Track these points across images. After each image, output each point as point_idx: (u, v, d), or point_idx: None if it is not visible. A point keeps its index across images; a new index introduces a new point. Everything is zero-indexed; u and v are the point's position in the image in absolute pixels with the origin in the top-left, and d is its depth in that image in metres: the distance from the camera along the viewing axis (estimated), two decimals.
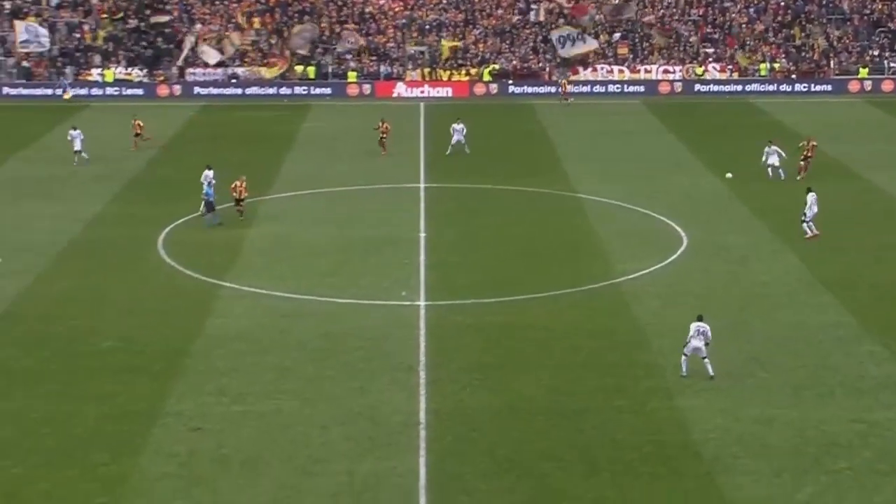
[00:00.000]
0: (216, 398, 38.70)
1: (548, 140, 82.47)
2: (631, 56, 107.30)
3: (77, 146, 73.65)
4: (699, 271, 52.28)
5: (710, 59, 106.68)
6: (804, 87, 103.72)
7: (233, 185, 58.95)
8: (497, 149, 79.37)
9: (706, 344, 39.84)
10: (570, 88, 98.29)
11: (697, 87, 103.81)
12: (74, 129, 74.76)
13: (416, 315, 46.66)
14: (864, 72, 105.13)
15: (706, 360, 39.62)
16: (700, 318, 40.15)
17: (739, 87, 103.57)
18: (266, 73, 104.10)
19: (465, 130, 76.68)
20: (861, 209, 63.01)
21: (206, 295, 48.46)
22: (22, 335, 44.74)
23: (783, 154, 68.04)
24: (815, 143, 67.89)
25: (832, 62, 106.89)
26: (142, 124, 79.07)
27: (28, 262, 53.39)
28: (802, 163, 67.13)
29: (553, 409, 38.23)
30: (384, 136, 76.17)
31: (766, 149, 68.89)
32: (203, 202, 59.24)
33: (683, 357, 40.14)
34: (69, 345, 43.83)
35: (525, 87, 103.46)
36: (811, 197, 56.71)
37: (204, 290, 49.46)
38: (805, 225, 56.36)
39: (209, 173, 60.71)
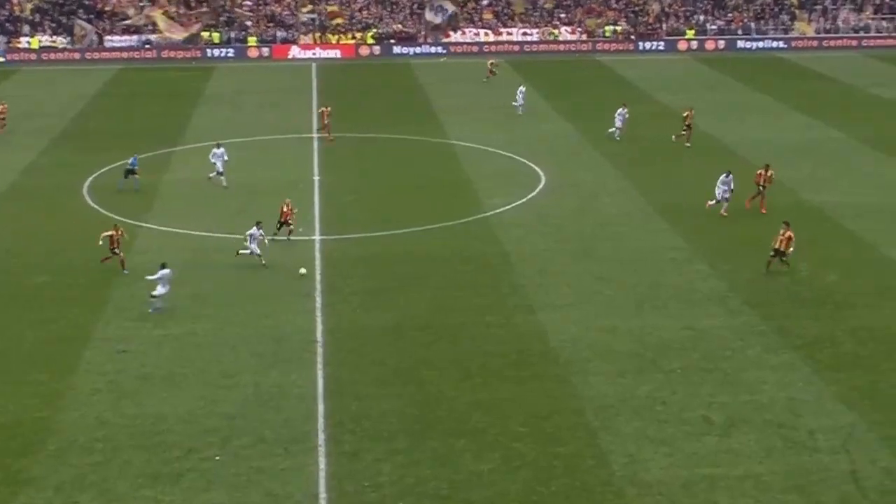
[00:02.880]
0: (139, 324, 38.34)
1: (425, 95, 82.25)
2: (495, 20, 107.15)
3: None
4: (555, 205, 52.75)
5: (563, 23, 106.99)
6: (642, 46, 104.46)
7: (282, 210, 47.21)
8: (381, 102, 79.03)
9: None
10: (494, 68, 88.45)
11: (552, 46, 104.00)
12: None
13: (312, 248, 46.56)
14: (690, 33, 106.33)
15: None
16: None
17: (588, 47, 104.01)
18: (177, 36, 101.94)
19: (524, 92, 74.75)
20: (686, 147, 63.87)
21: (128, 234, 47.78)
22: None
23: (626, 117, 66.32)
24: (692, 112, 66.03)
25: (664, 24, 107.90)
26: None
27: None
28: (684, 131, 65.20)
29: (433, 325, 38.50)
30: (326, 122, 66.15)
31: (620, 109, 66.68)
32: (125, 171, 55.46)
33: None
34: (7, 279, 43.08)
35: (405, 49, 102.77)
36: (725, 177, 50.57)
37: (125, 229, 48.74)
38: (724, 203, 50.45)
39: (218, 151, 55.86)
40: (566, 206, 52.48)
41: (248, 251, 43.52)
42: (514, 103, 74.32)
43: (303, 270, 42.88)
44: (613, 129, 65.96)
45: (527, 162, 60.69)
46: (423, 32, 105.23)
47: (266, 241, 44.23)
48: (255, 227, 43.82)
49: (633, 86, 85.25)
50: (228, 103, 79.94)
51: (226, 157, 56.15)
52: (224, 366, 35.29)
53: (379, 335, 37.70)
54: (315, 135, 67.47)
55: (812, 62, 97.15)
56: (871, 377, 34.29)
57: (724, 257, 44.84)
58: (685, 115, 65.17)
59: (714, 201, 49.91)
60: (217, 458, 29.69)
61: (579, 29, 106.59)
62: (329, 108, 66.96)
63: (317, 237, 47.76)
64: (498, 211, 51.46)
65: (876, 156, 61.26)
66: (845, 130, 67.90)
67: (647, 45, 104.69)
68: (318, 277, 42.95)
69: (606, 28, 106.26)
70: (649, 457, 29.70)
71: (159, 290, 39.16)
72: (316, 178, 57.85)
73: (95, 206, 52.58)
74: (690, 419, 31.65)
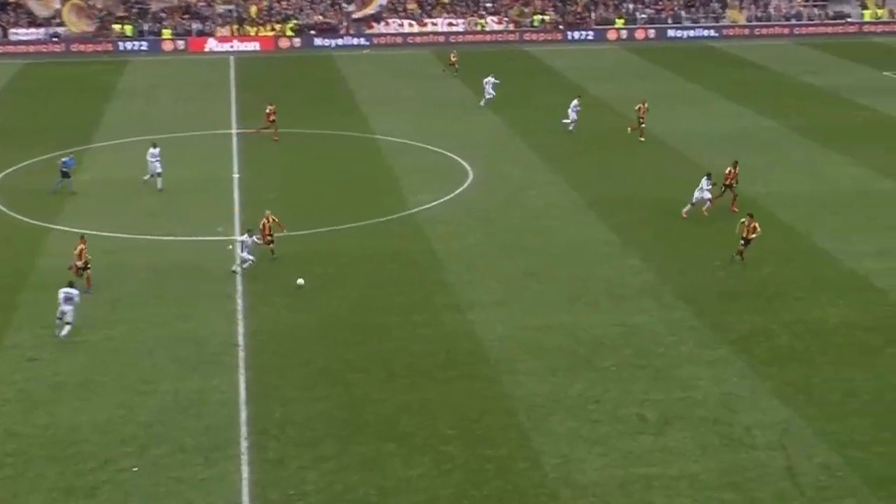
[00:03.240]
0: (50, 330, 37.72)
1: (347, 87, 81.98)
2: (419, 11, 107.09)
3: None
4: (483, 200, 52.82)
5: (489, 13, 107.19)
6: (570, 35, 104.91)
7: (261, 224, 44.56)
8: (302, 96, 78.59)
9: None
10: (454, 59, 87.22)
11: (479, 37, 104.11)
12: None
13: (232, 248, 46.16)
14: (620, 22, 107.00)
15: None
16: None
17: (515, 37, 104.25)
18: (75, 28, 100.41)
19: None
20: (619, 138, 64.32)
21: (38, 236, 47.11)
22: None
23: (579, 108, 65.91)
24: (646, 105, 65.80)
25: (593, 14, 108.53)
26: None
27: None
28: (641, 124, 64.95)
29: (358, 325, 38.37)
30: (272, 119, 64.78)
31: (574, 101, 66.42)
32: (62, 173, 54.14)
33: None
34: None
35: (326, 41, 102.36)
36: (705, 181, 49.49)
37: (36, 231, 48.08)
38: (696, 206, 49.13)
39: (154, 150, 54.56)
40: (494, 201, 52.56)
41: (246, 263, 42.75)
42: (486, 96, 73.72)
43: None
44: (568, 120, 65.98)
45: (453, 156, 60.69)
46: (344, 24, 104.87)
47: (257, 239, 43.37)
48: (245, 235, 43.07)
49: (561, 76, 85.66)
50: (143, 98, 79.08)
51: (158, 157, 54.58)
52: (142, 372, 34.87)
53: (303, 337, 37.49)
54: (234, 131, 66.95)
55: (743, 50, 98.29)
56: (806, 371, 34.72)
57: (656, 251, 45.17)
58: (638, 107, 65.20)
59: (689, 206, 49.34)
60: (134, 468, 29.30)
61: (506, 19, 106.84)
62: (274, 106, 65.65)
63: (237, 237, 47.33)
64: (424, 207, 51.42)
65: (808, 144, 62.07)
66: (777, 119, 68.73)
67: (576, 34, 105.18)
68: (238, 279, 42.59)
69: (534, 17, 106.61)
70: (583, 457, 29.81)
71: (64, 308, 37.22)
72: (235, 175, 57.39)
73: (2, 208, 51.71)
74: (624, 417, 31.82)
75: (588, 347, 36.46)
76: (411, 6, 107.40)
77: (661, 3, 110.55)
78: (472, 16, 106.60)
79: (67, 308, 37.08)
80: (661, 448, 30.28)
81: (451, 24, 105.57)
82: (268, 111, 65.33)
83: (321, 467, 29.42)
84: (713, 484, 28.51)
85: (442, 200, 52.53)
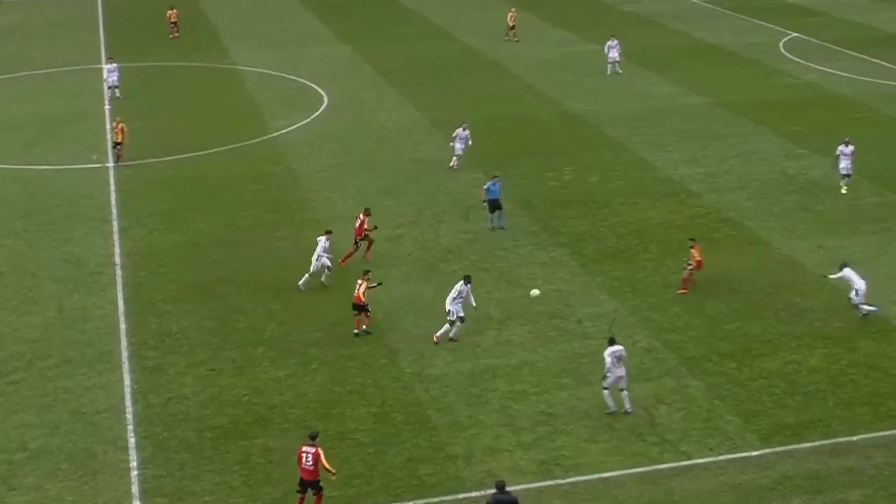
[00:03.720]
0: None
1: (209, 22, 79.96)
2: None
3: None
4: (338, 122, 52.46)
5: None
6: None
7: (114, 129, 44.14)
8: (166, 32, 76.41)
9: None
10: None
11: None
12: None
13: (106, 175, 45.12)
14: None
15: (625, 391, 27.24)
16: (612, 342, 27.41)
17: None
18: None
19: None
20: (460, 63, 64.29)
21: None
22: None
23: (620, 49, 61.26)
24: (514, 12, 70.69)
25: None
26: None
27: None
28: (511, 29, 69.41)
29: (227, 242, 38.01)
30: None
31: (608, 42, 61.58)
32: None
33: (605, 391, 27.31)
34: None
35: None
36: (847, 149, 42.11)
37: None
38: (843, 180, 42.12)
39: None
40: (348, 124, 52.25)
41: (327, 271, 34.84)
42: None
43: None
44: (612, 63, 61.05)
45: (309, 84, 59.97)
46: None
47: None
48: (323, 238, 34.81)
49: (406, 8, 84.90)
50: (18, 38, 76.00)
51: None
52: (25, 293, 34.07)
53: (176, 255, 37.00)
54: (105, 66, 65.02)
55: None
56: (631, 267, 35.56)
57: (497, 165, 45.33)
58: (510, 15, 69.73)
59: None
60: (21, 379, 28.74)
61: None
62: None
63: (110, 164, 46.27)
64: (284, 131, 50.87)
65: (628, 66, 62.84)
66: (601, 44, 69.32)
67: None
68: (112, 203, 41.68)
69: None
70: (436, 353, 30.16)
71: None
72: (107, 107, 55.83)
73: None
74: (471, 316, 32.19)
75: (437, 255, 36.74)
76: None
77: None
78: None
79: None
80: (505, 341, 30.81)
81: None
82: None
83: (196, 372, 29.26)
84: (551, 370, 29.16)
85: (300, 124, 52.02)
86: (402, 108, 54.86)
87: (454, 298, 30.69)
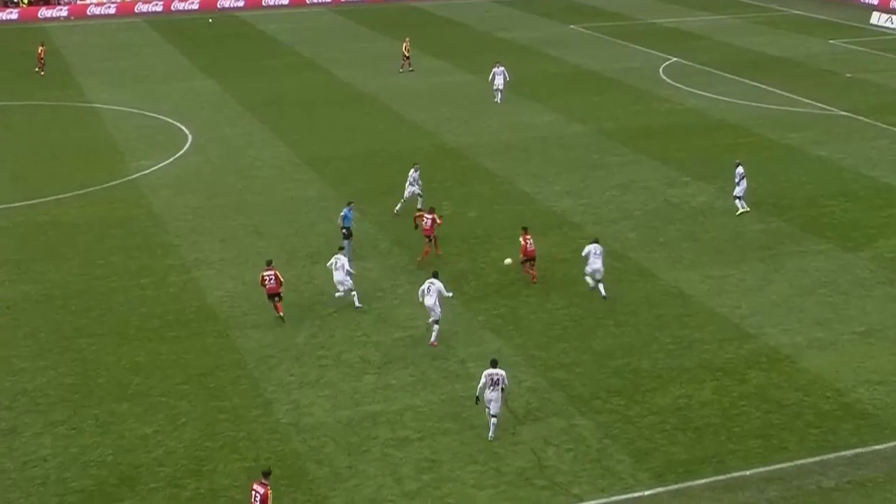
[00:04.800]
0: None
1: (62, 58, 78.66)
2: None
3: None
4: (203, 161, 52.01)
5: None
6: (279, 1, 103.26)
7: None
8: (16, 69, 75.02)
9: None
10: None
11: (179, 5, 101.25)
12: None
13: None
14: None
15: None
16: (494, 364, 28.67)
17: (226, 4, 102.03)
18: None
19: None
20: (331, 97, 64.39)
21: None
22: None
23: (508, 76, 62.16)
24: (408, 42, 72.27)
25: None
26: None
27: None
28: (407, 58, 71.17)
29: (85, 292, 37.27)
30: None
31: (494, 69, 62.29)
32: None
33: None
34: None
35: (40, 12, 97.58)
36: (739, 171, 44.21)
37: None
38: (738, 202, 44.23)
39: None
40: (214, 162, 51.86)
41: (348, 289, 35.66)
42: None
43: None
44: (497, 90, 61.95)
45: (172, 121, 59.37)
46: None
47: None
48: (341, 254, 36.01)
49: (274, 40, 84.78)
50: None
51: None
52: None
53: (29, 307, 36.15)
54: None
55: (443, 9, 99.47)
56: (513, 304, 35.86)
57: (371, 201, 45.52)
58: (405, 45, 71.49)
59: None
60: None
61: None
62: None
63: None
64: (145, 172, 50.21)
65: (507, 96, 63.56)
66: (477, 74, 70.09)
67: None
68: None
69: None
70: (312, 401, 29.96)
71: None
72: None
73: None
74: (349, 360, 32.12)
75: (311, 297, 36.57)
76: None
77: None
78: None
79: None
80: (385, 386, 30.75)
81: None
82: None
83: (55, 432, 28.57)
84: (434, 415, 29.19)
85: (163, 165, 51.42)
86: (272, 145, 54.66)
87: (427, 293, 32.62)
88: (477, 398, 28.14)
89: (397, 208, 43.88)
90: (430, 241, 39.23)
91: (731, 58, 74.12)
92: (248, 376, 31.32)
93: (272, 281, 34.30)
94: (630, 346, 32.77)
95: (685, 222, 43.07)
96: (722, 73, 69.13)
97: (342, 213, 39.69)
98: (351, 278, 35.24)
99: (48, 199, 46.67)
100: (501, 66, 62.87)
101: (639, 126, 56.87)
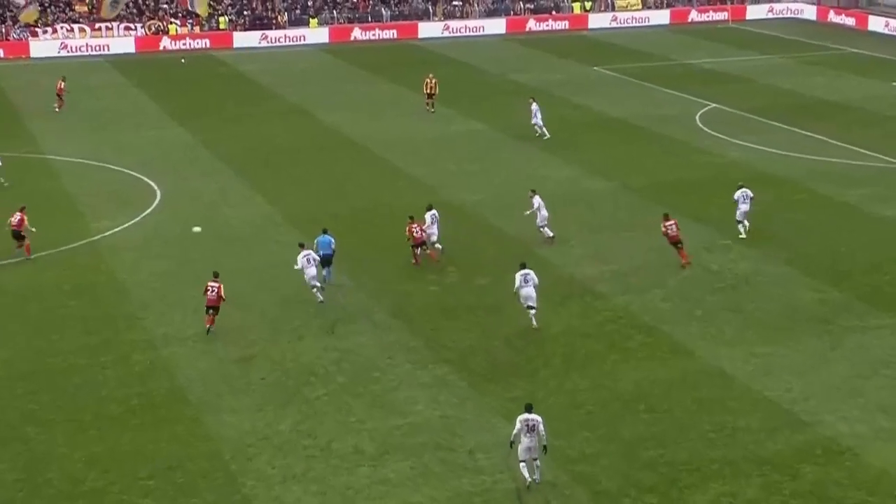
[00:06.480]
0: None
1: (8, 102, 79.16)
2: (89, 14, 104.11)
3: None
4: (173, 220, 52.10)
5: (169, 15, 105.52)
6: (259, 38, 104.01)
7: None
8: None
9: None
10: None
11: (164, 44, 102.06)
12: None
13: None
14: (314, 22, 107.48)
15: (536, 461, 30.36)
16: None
17: (203, 44, 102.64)
18: None
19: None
20: (319, 146, 64.69)
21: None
22: None
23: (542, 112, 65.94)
24: (435, 80, 73.26)
25: (285, 15, 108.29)
26: None
27: None
28: (428, 99, 72.72)
29: (34, 372, 37.15)
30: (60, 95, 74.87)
31: (531, 106, 66.04)
32: None
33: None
34: None
35: None
36: (740, 193, 48.48)
37: None
38: (739, 225, 48.34)
39: None
40: (185, 221, 51.84)
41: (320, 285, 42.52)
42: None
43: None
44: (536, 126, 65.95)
45: (138, 175, 59.60)
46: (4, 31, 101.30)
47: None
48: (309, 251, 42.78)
49: (255, 83, 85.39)
50: None
51: None
52: None
53: None
54: None
55: (447, 48, 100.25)
56: (530, 386, 35.71)
57: (365, 267, 45.55)
58: (426, 81, 72.82)
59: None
60: None
61: (190, 21, 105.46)
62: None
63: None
64: (107, 233, 50.33)
65: (518, 147, 63.74)
66: (486, 122, 70.37)
67: (268, 37, 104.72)
68: None
69: (221, 19, 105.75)
70: (298, 497, 29.79)
71: None
72: None
73: None
74: (340, 451, 31.94)
75: (298, 378, 36.45)
76: (81, 8, 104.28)
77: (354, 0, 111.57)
78: (151, 19, 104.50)
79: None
80: (381, 480, 30.57)
81: (128, 29, 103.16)
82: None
83: None
84: None
85: (127, 225, 51.55)
86: (250, 202, 54.82)
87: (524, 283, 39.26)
88: (511, 443, 29.86)
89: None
90: (422, 247, 45.43)
91: (778, 103, 74.58)
92: (223, 469, 31.13)
93: (213, 293, 39.18)
94: (664, 435, 32.58)
95: (726, 292, 43.01)
96: (768, 121, 69.49)
97: (317, 240, 43.35)
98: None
99: None
100: (536, 103, 65.70)
101: (672, 181, 57.05)
